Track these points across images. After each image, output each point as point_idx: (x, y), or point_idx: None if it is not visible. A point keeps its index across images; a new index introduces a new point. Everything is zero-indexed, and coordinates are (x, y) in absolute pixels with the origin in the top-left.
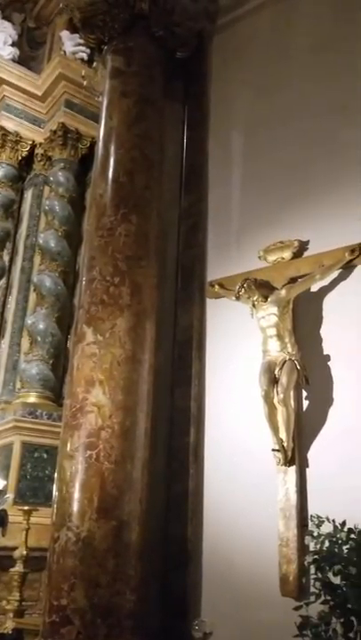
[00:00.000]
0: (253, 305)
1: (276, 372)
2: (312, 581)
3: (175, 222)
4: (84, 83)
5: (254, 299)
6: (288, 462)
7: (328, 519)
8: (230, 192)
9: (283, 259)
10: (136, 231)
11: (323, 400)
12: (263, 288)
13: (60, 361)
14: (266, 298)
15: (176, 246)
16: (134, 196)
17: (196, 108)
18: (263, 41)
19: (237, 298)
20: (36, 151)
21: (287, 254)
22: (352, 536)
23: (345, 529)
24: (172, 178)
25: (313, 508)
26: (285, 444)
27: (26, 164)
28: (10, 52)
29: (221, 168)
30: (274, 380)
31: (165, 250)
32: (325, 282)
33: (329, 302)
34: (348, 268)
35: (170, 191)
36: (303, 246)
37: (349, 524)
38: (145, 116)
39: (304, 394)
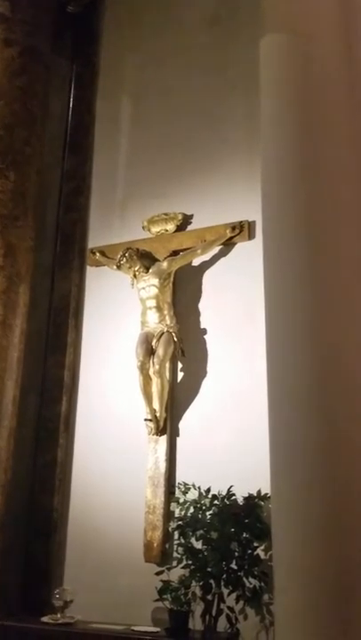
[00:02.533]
0: (134, 275)
1: (153, 343)
2: (175, 547)
3: (57, 184)
4: None
5: (135, 269)
6: (159, 432)
7: (194, 486)
8: (117, 158)
9: (166, 231)
10: (13, 189)
11: (197, 372)
12: (145, 259)
13: None
14: (147, 269)
15: (56, 209)
16: (13, 151)
17: (86, 67)
18: (158, 7)
19: (118, 267)
20: None
21: (171, 227)
22: (216, 502)
23: (209, 495)
24: (56, 137)
25: (181, 476)
26: (158, 414)
27: None
28: None
29: (109, 132)
30: (150, 352)
31: (44, 211)
32: (207, 257)
33: (209, 277)
34: (228, 245)
35: (52, 150)
36: (187, 220)
37: (214, 491)
38: (30, 68)
39: (179, 365)
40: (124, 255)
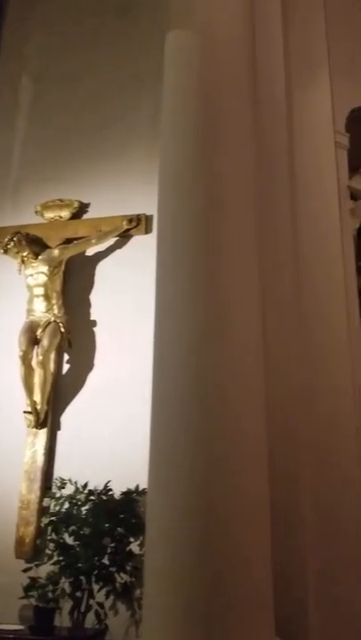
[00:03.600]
0: (22, 261)
1: (38, 333)
2: (48, 543)
3: None
4: None
5: (24, 254)
6: (39, 425)
7: (70, 481)
8: (13, 139)
9: (61, 217)
10: None
11: (83, 365)
12: (35, 245)
13: None
14: (37, 255)
15: None
16: None
17: None
18: None
19: (5, 251)
20: None
21: (66, 214)
22: (92, 497)
23: (86, 490)
24: None
25: (61, 471)
26: (39, 407)
27: None
28: None
29: (6, 112)
30: (35, 341)
31: None
32: (101, 247)
33: (102, 269)
34: (124, 237)
35: None
36: (84, 208)
37: (93, 486)
38: None
39: (65, 357)
40: (11, 239)
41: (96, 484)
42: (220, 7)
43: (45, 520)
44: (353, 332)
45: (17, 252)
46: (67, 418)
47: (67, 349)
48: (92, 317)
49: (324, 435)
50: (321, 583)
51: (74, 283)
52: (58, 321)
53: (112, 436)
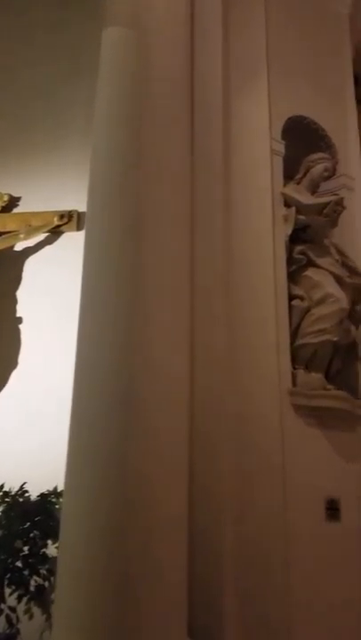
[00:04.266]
0: None
1: None
2: None
3: None
4: None
5: None
6: None
7: None
8: None
9: None
10: None
11: (7, 363)
12: None
13: None
14: None
15: None
16: None
17: None
18: None
19: None
20: None
21: None
22: (7, 499)
23: (0, 492)
24: None
25: None
26: None
27: None
28: None
29: None
30: None
31: None
32: (31, 243)
33: (31, 265)
34: (55, 233)
35: None
36: (14, 202)
37: (10, 487)
38: None
39: None
40: None
41: (15, 485)
42: (159, 6)
43: None
44: (282, 339)
45: None
46: None
47: None
48: (18, 314)
49: (248, 448)
50: (239, 597)
51: (0, 278)
52: None
53: (34, 437)
